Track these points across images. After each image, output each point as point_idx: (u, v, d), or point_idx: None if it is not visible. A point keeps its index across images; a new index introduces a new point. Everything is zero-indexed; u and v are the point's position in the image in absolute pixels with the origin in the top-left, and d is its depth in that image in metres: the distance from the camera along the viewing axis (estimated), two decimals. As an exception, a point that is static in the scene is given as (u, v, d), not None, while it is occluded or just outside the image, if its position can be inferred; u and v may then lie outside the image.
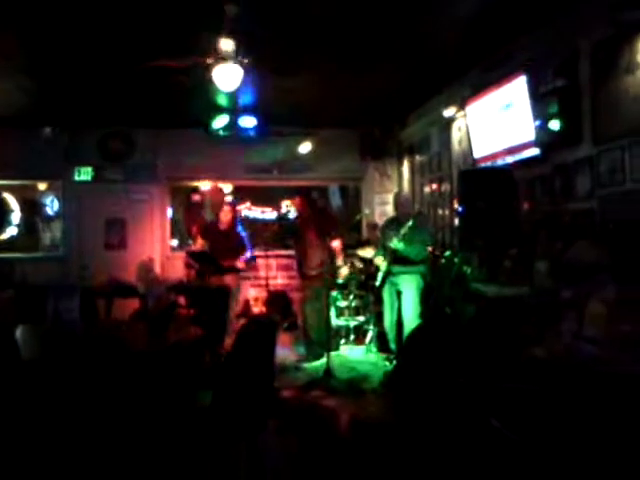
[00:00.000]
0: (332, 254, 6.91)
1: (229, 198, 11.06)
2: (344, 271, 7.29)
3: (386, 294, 6.34)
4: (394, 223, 6.42)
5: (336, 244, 6.92)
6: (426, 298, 6.12)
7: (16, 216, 10.12)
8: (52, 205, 9.79)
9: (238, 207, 7.78)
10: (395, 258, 6.10)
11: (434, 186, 8.24)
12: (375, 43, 5.75)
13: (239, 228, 7.51)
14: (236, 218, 7.57)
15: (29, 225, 10.16)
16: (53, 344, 3.70)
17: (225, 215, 7.39)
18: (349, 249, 8.22)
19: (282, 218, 10.97)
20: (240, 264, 7.26)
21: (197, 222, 9.39)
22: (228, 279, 7.10)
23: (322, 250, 6.74)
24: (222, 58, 5.07)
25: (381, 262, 6.35)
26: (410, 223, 5.92)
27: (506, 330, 3.72)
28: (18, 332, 3.79)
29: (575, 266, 3.63)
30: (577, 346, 2.73)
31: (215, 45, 5.06)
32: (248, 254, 7.33)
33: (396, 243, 5.98)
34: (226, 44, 5.04)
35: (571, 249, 3.84)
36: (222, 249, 7.15)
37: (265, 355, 3.44)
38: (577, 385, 2.58)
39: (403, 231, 5.95)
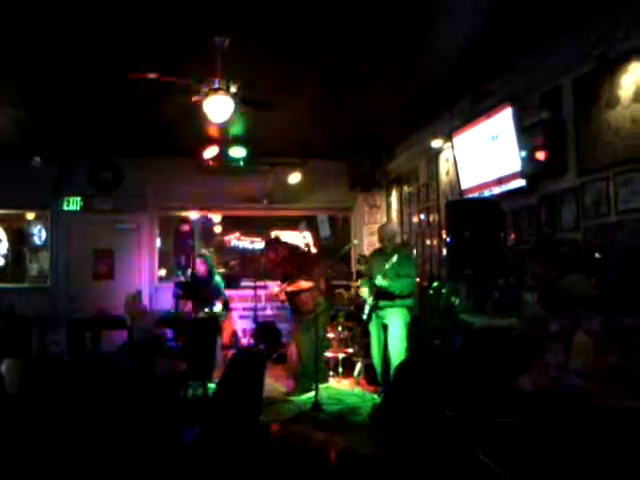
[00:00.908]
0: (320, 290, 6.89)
1: (218, 229, 11.09)
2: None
3: (373, 328, 6.32)
4: (380, 254, 6.42)
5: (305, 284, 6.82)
6: (413, 331, 6.10)
7: (3, 246, 10.07)
8: (40, 235, 9.74)
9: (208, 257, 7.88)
10: (380, 293, 6.09)
11: (422, 217, 8.29)
12: (364, 75, 5.83)
13: (215, 276, 7.63)
14: (211, 268, 7.69)
15: (16, 255, 10.10)
16: (38, 378, 3.65)
17: (199, 266, 7.59)
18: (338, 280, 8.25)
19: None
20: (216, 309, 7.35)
21: (185, 253, 9.39)
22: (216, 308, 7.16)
23: (313, 290, 6.73)
24: (213, 90, 5.11)
25: (367, 295, 6.34)
26: (394, 259, 5.88)
27: (493, 362, 3.72)
28: (3, 366, 3.74)
29: (564, 298, 3.65)
30: (563, 379, 2.73)
31: (205, 77, 5.11)
32: (219, 302, 7.41)
33: (380, 280, 5.97)
34: (217, 76, 5.09)
35: (561, 281, 3.86)
36: (201, 295, 7.26)
37: (253, 388, 3.42)
38: (563, 418, 2.57)
39: (387, 266, 5.91)
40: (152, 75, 4.94)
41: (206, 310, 7.09)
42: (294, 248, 7.26)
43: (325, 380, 6.99)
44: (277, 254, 7.04)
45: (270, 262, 7.21)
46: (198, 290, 7.21)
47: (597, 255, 4.43)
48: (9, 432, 2.94)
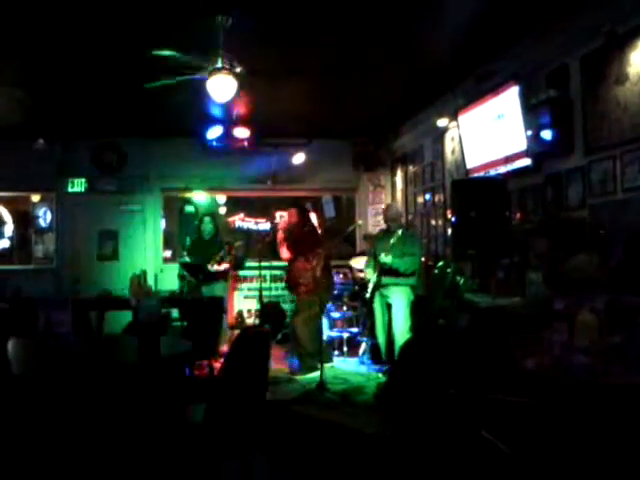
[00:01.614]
0: (326, 266, 6.87)
1: (223, 210, 11.09)
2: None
3: (377, 307, 6.33)
4: (385, 234, 6.42)
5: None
6: (417, 310, 6.10)
7: (9, 228, 10.09)
8: (45, 217, 9.76)
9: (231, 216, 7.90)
10: (384, 270, 6.09)
11: (427, 196, 8.26)
12: (368, 54, 5.78)
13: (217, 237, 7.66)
14: (217, 228, 7.70)
15: (22, 237, 10.12)
16: (44, 357, 3.67)
17: (206, 226, 7.59)
18: (343, 260, 8.26)
19: (276, 229, 10.96)
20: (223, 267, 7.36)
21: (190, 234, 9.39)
22: (217, 289, 7.14)
23: (314, 263, 6.70)
24: (216, 69, 5.07)
25: (371, 274, 6.34)
26: (399, 233, 5.92)
27: (498, 341, 3.72)
28: (9, 345, 3.76)
29: (571, 279, 3.64)
30: (568, 357, 2.73)
31: (208, 56, 5.07)
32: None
33: (384, 257, 5.97)
34: (220, 55, 5.05)
35: (568, 261, 3.85)
36: (206, 258, 7.27)
37: (258, 367, 3.43)
38: (568, 397, 2.58)
39: (392, 241, 5.94)
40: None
41: (215, 268, 7.15)
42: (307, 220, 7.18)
43: (330, 360, 7.02)
44: (299, 221, 6.99)
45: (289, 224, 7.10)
46: (204, 250, 7.25)
47: (602, 232, 4.41)
48: (15, 411, 2.96)
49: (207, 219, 7.66)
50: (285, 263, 7.09)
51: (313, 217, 11.00)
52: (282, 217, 10.85)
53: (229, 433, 3.16)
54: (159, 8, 4.70)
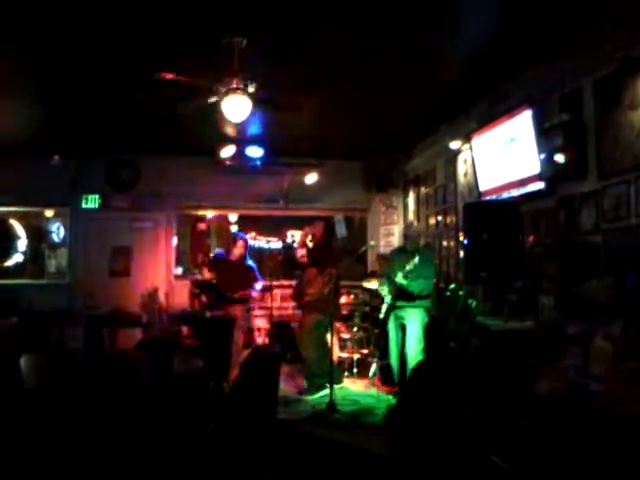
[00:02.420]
0: (336, 286, 6.88)
1: (235, 229, 11.12)
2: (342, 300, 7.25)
3: (391, 327, 6.31)
4: (400, 253, 6.42)
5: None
6: (430, 333, 6.08)
7: (22, 243, 10.16)
8: (58, 232, 9.82)
9: (248, 239, 7.85)
10: (399, 293, 6.08)
11: (439, 218, 8.25)
12: (381, 75, 5.82)
13: (248, 260, 7.55)
14: (247, 250, 7.61)
15: (35, 252, 10.18)
16: (57, 373, 3.68)
17: (238, 249, 7.42)
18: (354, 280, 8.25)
19: (288, 248, 10.99)
20: (254, 293, 7.34)
21: (202, 251, 9.43)
22: (236, 310, 7.13)
23: (321, 279, 6.72)
24: (232, 89, 5.13)
25: (386, 293, 6.34)
26: (416, 260, 5.91)
27: (511, 365, 3.69)
28: (22, 361, 3.78)
29: (584, 304, 3.62)
30: (582, 383, 2.71)
31: (224, 77, 5.13)
32: (260, 284, 7.36)
33: (401, 278, 5.98)
34: (235, 76, 5.11)
35: (581, 286, 3.83)
36: (233, 281, 7.19)
37: (269, 387, 3.43)
38: (582, 423, 2.55)
39: (409, 267, 5.94)
40: (171, 76, 4.97)
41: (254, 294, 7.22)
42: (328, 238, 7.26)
43: (340, 381, 6.99)
44: (323, 237, 7.00)
45: (314, 241, 7.07)
46: (230, 279, 7.20)
47: (616, 258, 4.39)
48: (28, 426, 2.97)
49: (240, 243, 7.52)
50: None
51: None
52: (293, 236, 10.90)
53: (238, 451, 3.15)
54: (175, 29, 4.77)
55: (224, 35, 4.78)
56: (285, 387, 6.67)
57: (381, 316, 6.39)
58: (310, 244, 6.99)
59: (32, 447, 2.92)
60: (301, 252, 6.86)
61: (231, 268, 7.33)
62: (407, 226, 6.96)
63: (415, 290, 6.01)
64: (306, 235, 7.10)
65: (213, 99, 5.27)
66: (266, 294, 8.40)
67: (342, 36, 4.96)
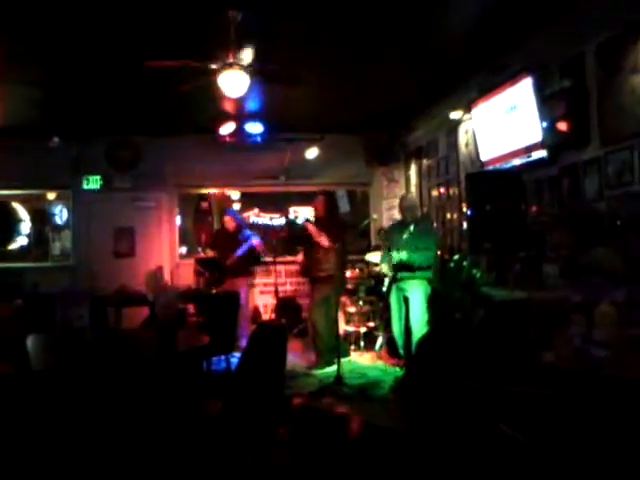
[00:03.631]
0: (343, 259, 6.89)
1: (237, 206, 11.12)
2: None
3: (393, 300, 6.29)
4: (399, 227, 6.38)
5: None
6: (433, 304, 6.07)
7: (26, 226, 10.17)
8: (61, 214, 9.84)
9: (243, 215, 8.08)
10: (399, 265, 6.05)
11: (442, 190, 8.22)
12: (381, 47, 5.75)
13: (246, 232, 7.78)
14: (240, 224, 7.89)
15: (39, 235, 10.20)
16: (63, 353, 3.70)
17: (228, 223, 7.82)
18: (358, 254, 8.25)
19: (290, 224, 10.97)
20: (240, 252, 7.52)
21: (205, 230, 9.47)
22: (237, 284, 7.19)
23: (332, 253, 6.70)
24: (228, 64, 5.07)
25: (386, 268, 6.32)
26: (411, 228, 5.88)
27: (515, 334, 3.70)
28: (28, 341, 3.80)
29: (590, 272, 3.61)
30: (587, 350, 2.71)
31: (221, 52, 5.07)
32: (246, 245, 7.58)
33: (396, 254, 5.95)
34: (231, 50, 5.05)
35: (586, 254, 3.81)
36: (227, 251, 7.48)
37: (276, 362, 3.44)
38: (587, 389, 2.56)
39: (405, 236, 5.90)
40: (167, 63, 4.93)
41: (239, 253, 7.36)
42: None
43: (347, 354, 7.02)
44: (325, 210, 7.00)
45: (316, 215, 7.10)
46: (226, 244, 7.48)
47: (619, 223, 4.36)
48: (34, 407, 2.99)
49: (227, 218, 7.89)
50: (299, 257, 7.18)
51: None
52: (296, 212, 10.88)
53: (246, 427, 3.17)
54: (171, 4, 4.70)
55: (220, 9, 4.72)
56: (292, 361, 6.70)
57: (384, 290, 6.38)
58: (312, 219, 6.99)
59: (40, 426, 2.94)
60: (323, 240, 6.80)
61: (227, 238, 7.65)
62: (402, 197, 6.83)
63: (414, 262, 5.96)
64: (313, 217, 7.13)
65: (210, 76, 5.22)
66: (270, 270, 8.49)
67: (340, 8, 4.89)
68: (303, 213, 10.02)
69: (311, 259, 6.86)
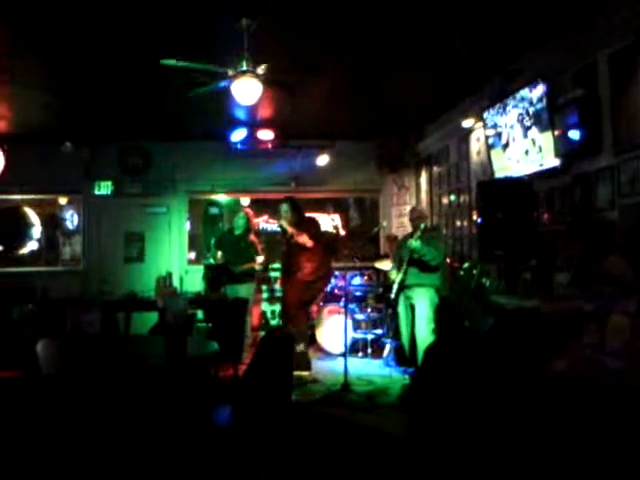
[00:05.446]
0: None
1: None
2: None
3: (401, 308, 6.30)
4: (410, 238, 6.39)
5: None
6: (442, 312, 6.05)
7: (37, 230, 10.22)
8: (72, 219, 9.90)
9: (256, 218, 7.93)
10: (411, 261, 6.04)
11: (452, 197, 8.20)
12: (393, 54, 5.76)
13: (251, 237, 7.64)
14: (250, 224, 7.72)
15: (50, 239, 10.27)
16: (73, 358, 3.71)
17: (239, 219, 7.59)
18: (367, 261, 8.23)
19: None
20: (256, 266, 7.40)
21: (214, 235, 9.48)
22: (242, 291, 7.16)
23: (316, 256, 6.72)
24: (241, 72, 5.09)
25: (395, 276, 6.31)
26: (422, 226, 6.00)
27: (526, 343, 3.67)
28: (38, 346, 3.80)
29: (602, 281, 3.58)
30: (598, 360, 2.68)
31: (234, 60, 5.09)
32: (260, 259, 7.45)
33: (412, 242, 5.95)
34: (244, 58, 5.07)
35: (599, 263, 3.78)
36: (235, 254, 7.32)
37: (283, 369, 3.43)
38: (599, 400, 2.53)
39: (418, 233, 5.98)
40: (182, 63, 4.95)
41: (244, 267, 7.21)
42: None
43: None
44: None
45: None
46: (232, 249, 7.34)
47: (633, 234, 4.33)
48: (45, 411, 2.99)
49: (241, 214, 7.72)
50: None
51: (337, 218, 11.03)
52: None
53: (254, 433, 3.16)
54: (185, 12, 4.73)
55: (234, 18, 4.74)
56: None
57: (392, 296, 6.37)
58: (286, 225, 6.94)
59: (50, 431, 2.94)
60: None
61: (234, 241, 7.48)
62: (412, 210, 6.83)
63: (427, 255, 5.94)
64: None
65: (224, 83, 5.24)
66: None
67: (352, 15, 4.90)
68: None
69: (294, 263, 6.86)
